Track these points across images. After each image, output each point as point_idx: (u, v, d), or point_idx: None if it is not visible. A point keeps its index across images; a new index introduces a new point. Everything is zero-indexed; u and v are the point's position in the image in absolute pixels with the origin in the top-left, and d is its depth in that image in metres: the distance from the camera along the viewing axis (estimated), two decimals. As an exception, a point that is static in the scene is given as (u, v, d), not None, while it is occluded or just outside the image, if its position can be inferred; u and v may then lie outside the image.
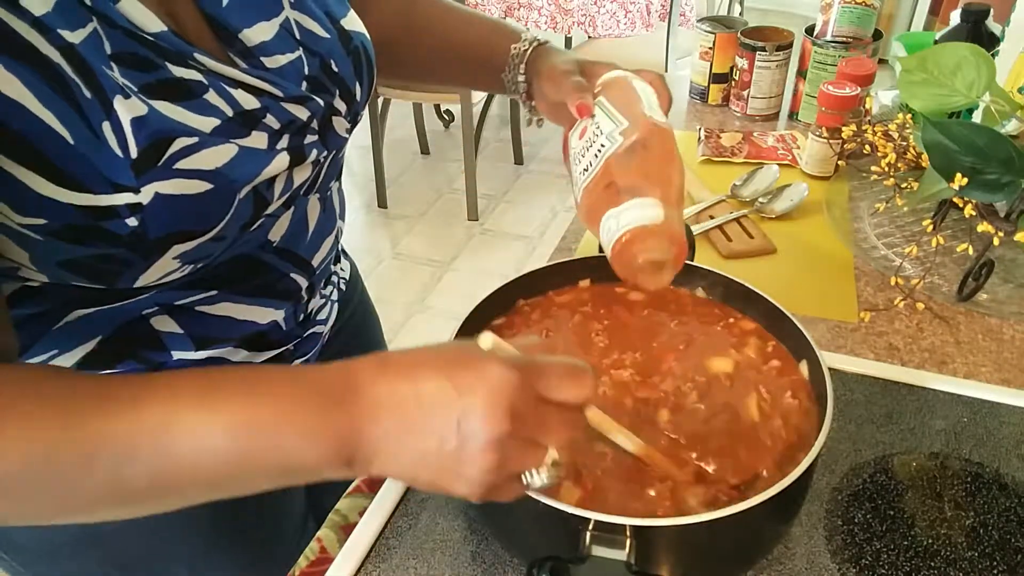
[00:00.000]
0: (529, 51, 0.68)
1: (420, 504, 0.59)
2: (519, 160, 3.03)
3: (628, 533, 0.43)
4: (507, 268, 2.46)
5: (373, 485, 0.61)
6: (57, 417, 0.38)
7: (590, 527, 0.43)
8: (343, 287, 0.75)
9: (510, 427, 0.39)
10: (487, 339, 0.42)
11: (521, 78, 0.68)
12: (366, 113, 0.64)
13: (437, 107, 3.24)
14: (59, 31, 0.40)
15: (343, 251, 0.78)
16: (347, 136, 0.60)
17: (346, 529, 0.58)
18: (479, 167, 2.79)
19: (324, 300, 0.69)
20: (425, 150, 3.12)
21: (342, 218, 0.69)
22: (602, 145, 0.55)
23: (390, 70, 0.74)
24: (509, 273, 0.64)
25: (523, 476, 0.42)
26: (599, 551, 0.43)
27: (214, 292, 0.56)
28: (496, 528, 0.55)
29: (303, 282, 0.62)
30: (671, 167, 0.56)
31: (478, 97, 2.45)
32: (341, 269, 0.75)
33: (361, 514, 0.58)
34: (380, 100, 2.61)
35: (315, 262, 0.63)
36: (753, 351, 0.60)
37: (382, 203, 2.78)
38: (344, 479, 0.42)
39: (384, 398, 0.40)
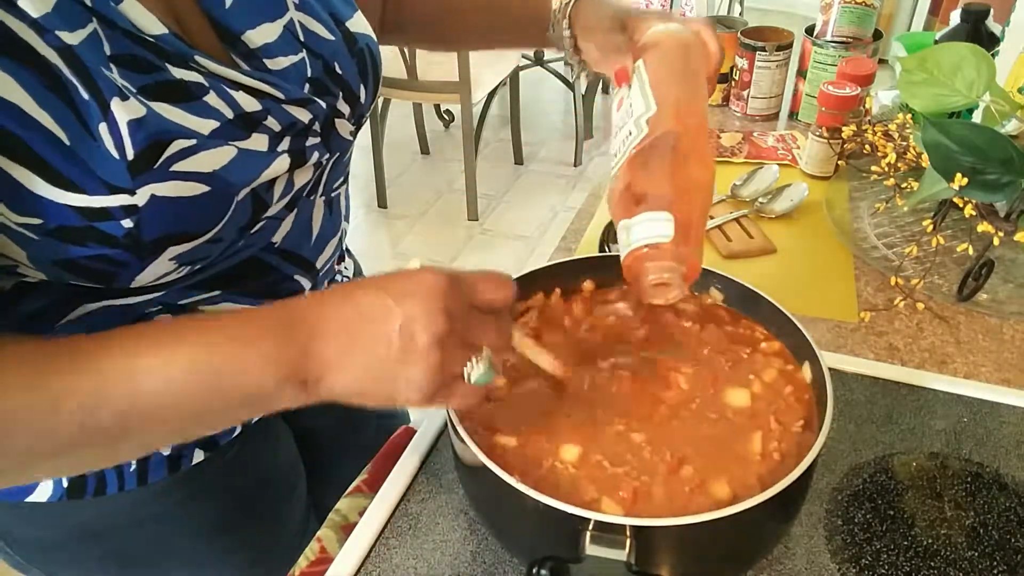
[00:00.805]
0: (571, 4, 0.67)
1: (420, 504, 0.59)
2: (519, 160, 3.03)
3: (628, 533, 0.43)
4: (507, 268, 2.43)
5: (373, 485, 0.61)
6: (23, 376, 0.41)
7: (590, 527, 0.43)
8: (346, 287, 0.76)
9: (447, 326, 0.42)
10: (415, 262, 0.46)
11: (566, 32, 0.67)
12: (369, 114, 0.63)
13: (437, 107, 3.24)
14: (57, 32, 0.40)
15: (347, 251, 0.78)
16: (351, 139, 0.60)
17: (346, 529, 0.58)
18: (479, 167, 2.79)
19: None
20: (425, 150, 3.12)
21: (346, 219, 0.69)
22: (630, 131, 0.53)
23: (442, 45, 0.76)
24: (509, 273, 0.64)
25: (464, 372, 0.45)
26: (599, 551, 0.43)
27: (217, 293, 0.56)
28: (496, 528, 0.55)
29: (307, 284, 0.62)
30: (696, 172, 0.52)
31: (478, 97, 2.45)
32: (344, 268, 0.75)
33: (361, 514, 0.58)
34: (380, 100, 2.61)
35: (319, 264, 0.63)
36: (752, 351, 0.60)
37: (382, 203, 2.78)
38: (302, 404, 0.44)
39: (328, 318, 0.43)
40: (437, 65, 2.45)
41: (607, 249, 0.72)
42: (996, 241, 0.74)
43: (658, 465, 0.51)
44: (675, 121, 0.52)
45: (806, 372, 0.57)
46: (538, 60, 3.29)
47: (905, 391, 0.68)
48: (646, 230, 0.50)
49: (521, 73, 2.89)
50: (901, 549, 0.55)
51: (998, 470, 0.61)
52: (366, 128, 2.57)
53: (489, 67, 2.52)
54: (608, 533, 0.43)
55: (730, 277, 0.64)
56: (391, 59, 2.38)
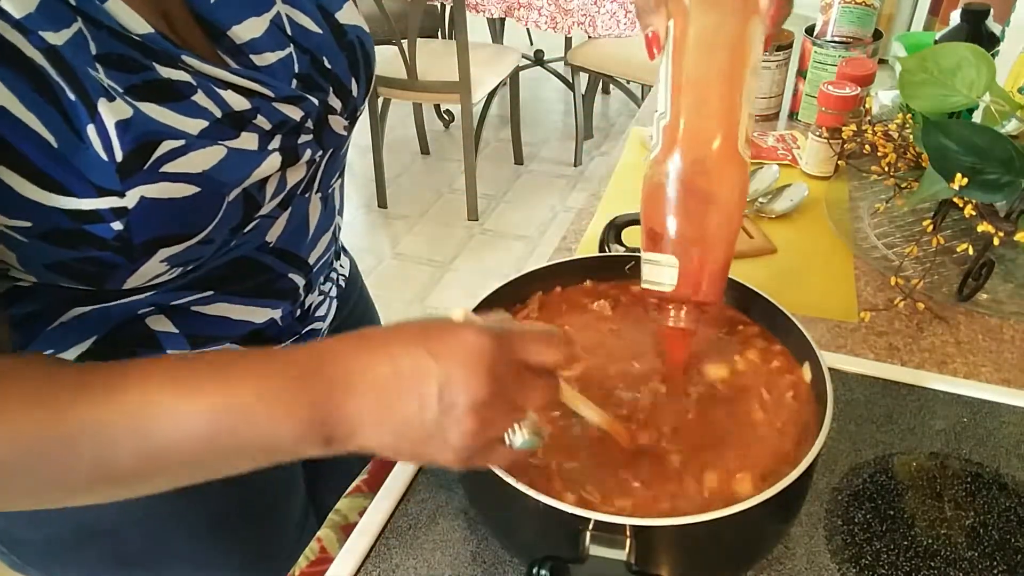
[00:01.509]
0: None
1: (420, 504, 0.59)
2: (519, 160, 3.03)
3: (628, 533, 0.43)
4: (507, 268, 2.46)
5: (373, 485, 0.61)
6: (39, 408, 0.39)
7: (590, 527, 0.43)
8: (342, 284, 0.75)
9: (490, 390, 0.39)
10: (458, 312, 0.42)
11: None
12: (366, 113, 0.63)
13: (437, 107, 3.25)
14: (41, 33, 0.40)
15: (343, 248, 0.77)
16: (345, 134, 0.59)
17: (346, 529, 0.58)
18: (479, 167, 2.79)
19: (323, 297, 0.69)
20: (425, 150, 3.12)
21: (340, 214, 0.69)
22: (661, 112, 0.47)
23: None
24: (509, 273, 0.64)
25: (505, 437, 0.42)
26: (599, 551, 0.43)
27: (210, 292, 0.56)
28: (496, 528, 0.55)
29: (300, 281, 0.62)
30: (715, 216, 0.46)
31: (478, 97, 2.45)
32: (340, 266, 0.75)
33: (361, 514, 0.58)
34: (380, 100, 2.61)
35: (312, 260, 0.63)
36: (754, 353, 0.60)
37: (382, 203, 2.79)
38: (326, 455, 0.42)
39: (360, 372, 0.40)
40: (437, 65, 2.45)
41: (607, 249, 0.71)
42: (996, 241, 0.74)
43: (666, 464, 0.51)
44: (690, 147, 0.46)
45: (806, 372, 0.57)
46: (538, 60, 3.29)
47: (905, 391, 0.68)
48: (653, 273, 0.47)
49: (521, 73, 2.89)
50: (901, 549, 0.55)
51: (998, 470, 0.61)
52: (366, 128, 2.57)
53: (489, 67, 2.53)
54: (608, 533, 0.43)
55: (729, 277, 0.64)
56: (391, 59, 2.39)
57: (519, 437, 0.42)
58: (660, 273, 0.47)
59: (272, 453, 0.42)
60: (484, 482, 0.47)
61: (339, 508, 0.61)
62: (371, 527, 0.57)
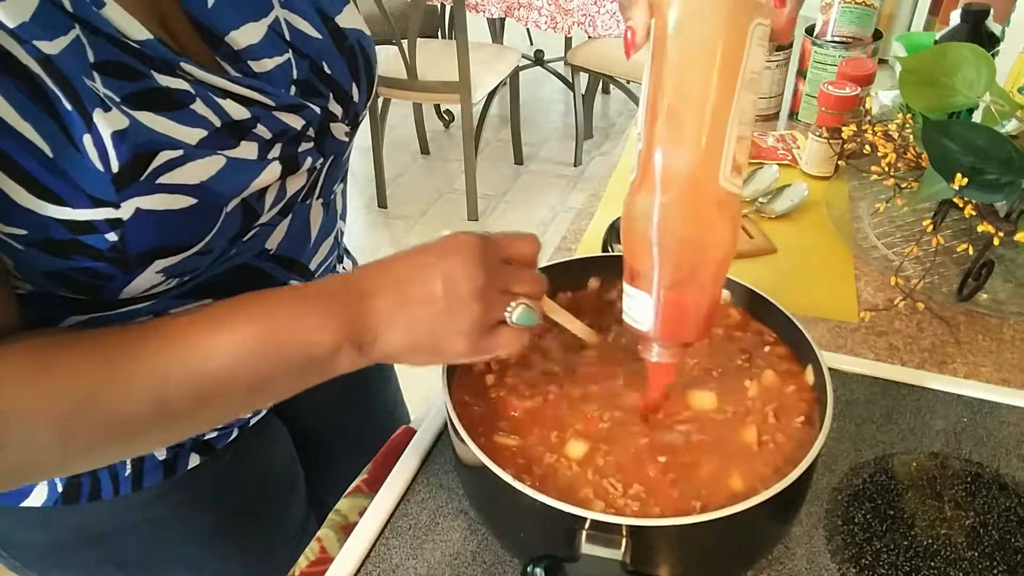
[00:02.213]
0: None
1: (420, 504, 0.59)
2: (519, 160, 3.03)
3: (624, 532, 0.43)
4: (507, 268, 2.45)
5: (373, 485, 0.61)
6: (92, 357, 0.43)
7: (586, 526, 0.43)
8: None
9: (486, 277, 0.45)
10: (445, 231, 0.48)
11: None
12: (366, 113, 0.62)
13: (437, 107, 3.25)
14: (35, 43, 0.39)
15: (346, 251, 0.77)
16: (347, 140, 0.58)
17: (346, 529, 0.58)
18: (479, 167, 2.79)
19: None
20: (425, 150, 3.12)
21: (343, 218, 0.68)
22: (639, 132, 0.43)
23: None
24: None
25: (505, 317, 0.48)
26: (594, 550, 0.43)
27: (208, 301, 0.55)
28: (496, 528, 0.55)
29: None
30: (695, 251, 0.42)
31: (478, 97, 2.45)
32: (343, 269, 0.75)
33: (361, 514, 0.58)
34: (380, 100, 2.61)
35: (313, 266, 0.62)
36: (752, 350, 0.60)
37: (382, 203, 2.79)
38: (355, 367, 0.47)
39: (375, 279, 0.46)
40: (437, 65, 2.45)
41: (611, 249, 0.71)
42: (996, 241, 0.74)
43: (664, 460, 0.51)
44: (664, 182, 0.42)
45: (808, 375, 0.57)
46: (538, 60, 3.29)
47: (905, 391, 0.68)
48: (633, 308, 0.46)
49: (521, 73, 2.89)
50: (901, 549, 0.55)
51: (998, 470, 0.61)
52: (366, 128, 2.57)
53: (489, 67, 2.53)
54: (604, 532, 0.43)
55: (728, 277, 0.64)
56: (391, 59, 2.39)
57: (516, 312, 0.48)
58: (639, 310, 0.46)
59: (313, 367, 0.46)
60: (484, 482, 0.47)
61: (339, 508, 0.61)
62: (371, 527, 0.57)
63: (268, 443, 0.70)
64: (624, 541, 0.43)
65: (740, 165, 0.42)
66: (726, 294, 0.63)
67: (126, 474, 0.58)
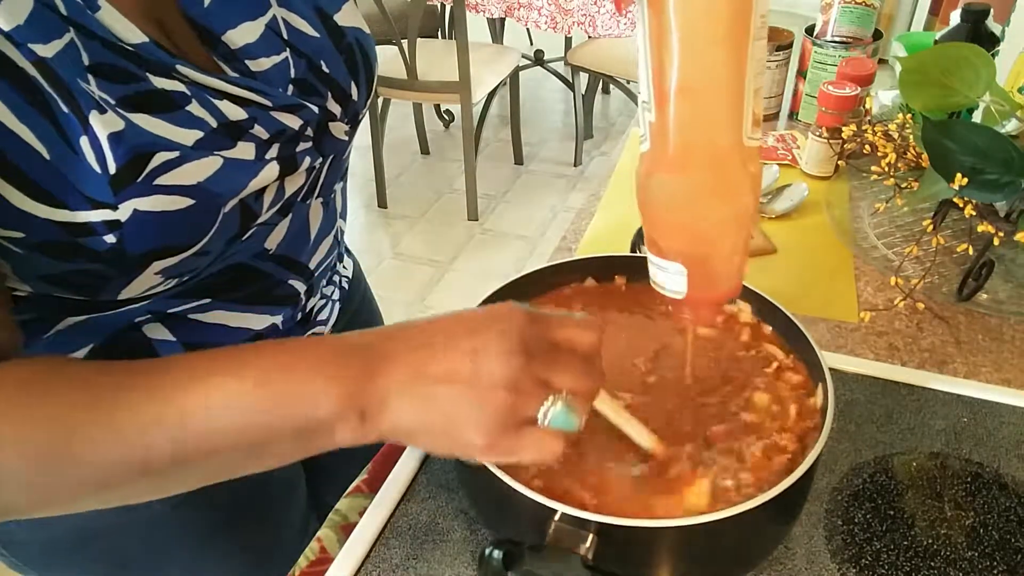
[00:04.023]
0: None
1: (420, 504, 0.59)
2: (519, 160, 3.03)
3: (591, 529, 0.43)
4: (507, 268, 2.46)
5: (373, 485, 0.61)
6: (81, 398, 0.39)
7: (555, 518, 0.43)
8: (345, 286, 0.75)
9: (523, 362, 0.38)
10: None
11: None
12: (366, 113, 0.62)
13: (437, 107, 3.25)
14: (30, 46, 0.39)
15: (346, 249, 0.77)
16: (347, 139, 0.58)
17: (346, 529, 0.58)
18: (479, 167, 2.79)
19: (325, 300, 0.68)
20: (425, 150, 3.12)
21: (343, 217, 0.68)
22: (645, 102, 0.40)
23: None
24: (509, 273, 0.64)
25: (539, 415, 0.41)
26: (560, 541, 0.43)
27: (207, 300, 0.55)
28: (496, 528, 0.55)
29: (301, 286, 0.62)
30: (720, 209, 0.40)
31: (478, 97, 2.45)
32: (344, 268, 0.74)
33: (361, 514, 0.58)
34: (380, 100, 2.61)
35: (313, 265, 0.62)
36: (752, 351, 0.60)
37: (382, 203, 2.79)
38: (358, 443, 0.42)
39: (397, 342, 0.41)
40: (437, 65, 2.45)
41: (639, 251, 0.70)
42: (996, 241, 0.74)
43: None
44: (683, 149, 0.40)
45: (807, 373, 0.57)
46: (538, 60, 3.29)
47: (905, 391, 0.68)
48: (663, 279, 0.44)
49: (521, 73, 2.89)
50: (901, 549, 0.55)
51: (998, 470, 0.61)
52: (366, 128, 2.57)
53: (489, 67, 2.53)
54: (572, 526, 0.43)
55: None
56: (391, 59, 2.39)
57: (552, 412, 0.40)
58: (669, 279, 0.43)
59: (310, 434, 0.41)
60: (484, 482, 0.47)
61: (339, 508, 0.61)
62: (371, 527, 0.57)
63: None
64: (590, 537, 0.43)
65: (758, 117, 0.40)
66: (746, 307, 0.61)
67: None
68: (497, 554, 0.42)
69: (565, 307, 0.64)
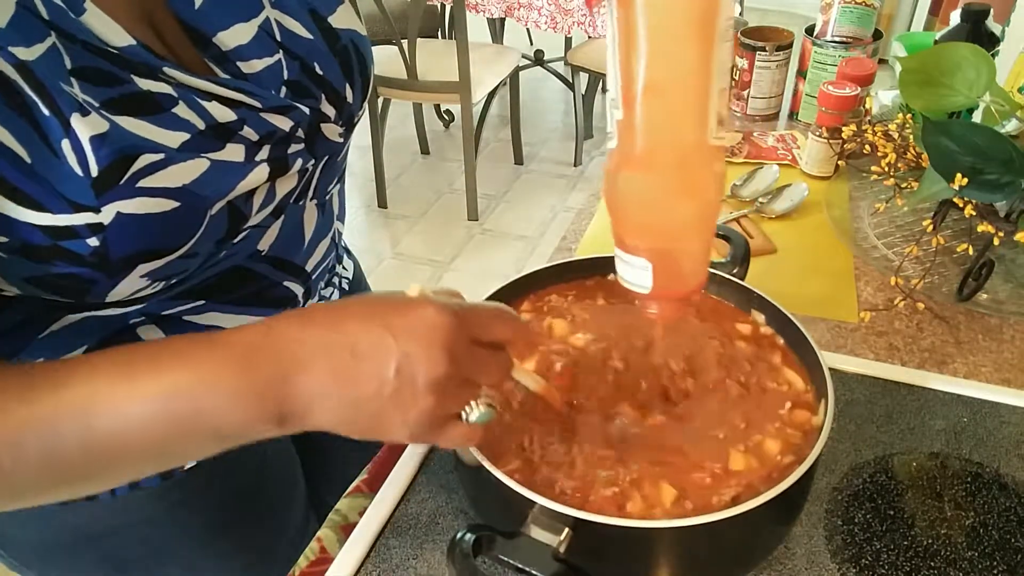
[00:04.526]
0: None
1: (420, 504, 0.59)
2: (519, 160, 3.03)
3: (567, 523, 0.43)
4: (507, 268, 2.46)
5: (373, 485, 0.61)
6: (17, 393, 0.39)
7: (533, 509, 0.44)
8: (345, 287, 0.75)
9: (448, 367, 0.40)
10: (414, 288, 0.43)
11: None
12: (366, 113, 0.62)
13: (437, 107, 3.25)
14: (11, 49, 0.39)
15: (346, 250, 0.77)
16: (341, 141, 0.58)
17: (346, 529, 0.58)
18: (479, 167, 2.79)
19: (324, 302, 0.68)
20: (425, 150, 3.12)
21: (340, 219, 0.68)
22: (612, 99, 0.40)
23: None
24: (509, 273, 0.64)
25: (462, 412, 0.43)
26: (535, 532, 0.44)
27: (202, 302, 0.55)
28: (483, 516, 0.55)
29: (298, 289, 0.61)
30: (685, 206, 0.41)
31: (478, 97, 2.45)
32: (344, 269, 0.74)
33: (361, 514, 0.58)
34: (380, 100, 2.61)
35: (310, 267, 0.62)
36: (751, 351, 0.60)
37: (382, 203, 2.79)
38: (281, 435, 0.42)
39: (312, 350, 0.40)
40: (437, 65, 2.45)
41: None
42: (996, 241, 0.74)
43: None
44: (648, 148, 0.40)
45: (807, 374, 0.57)
46: (538, 60, 3.29)
47: (905, 391, 0.68)
48: (628, 273, 0.45)
49: (521, 73, 2.89)
50: (901, 549, 0.55)
51: (998, 470, 0.61)
52: (366, 128, 2.57)
53: (489, 67, 2.53)
54: (548, 518, 0.44)
55: (725, 276, 0.64)
56: (391, 59, 2.39)
57: (474, 413, 0.43)
58: (635, 274, 0.44)
59: (223, 437, 0.41)
60: (484, 482, 0.47)
61: (339, 508, 0.61)
62: (371, 527, 0.57)
63: (267, 444, 0.69)
64: (565, 531, 0.43)
65: (724, 117, 0.40)
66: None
67: None
68: (468, 537, 0.43)
69: (590, 299, 0.64)
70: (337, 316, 0.41)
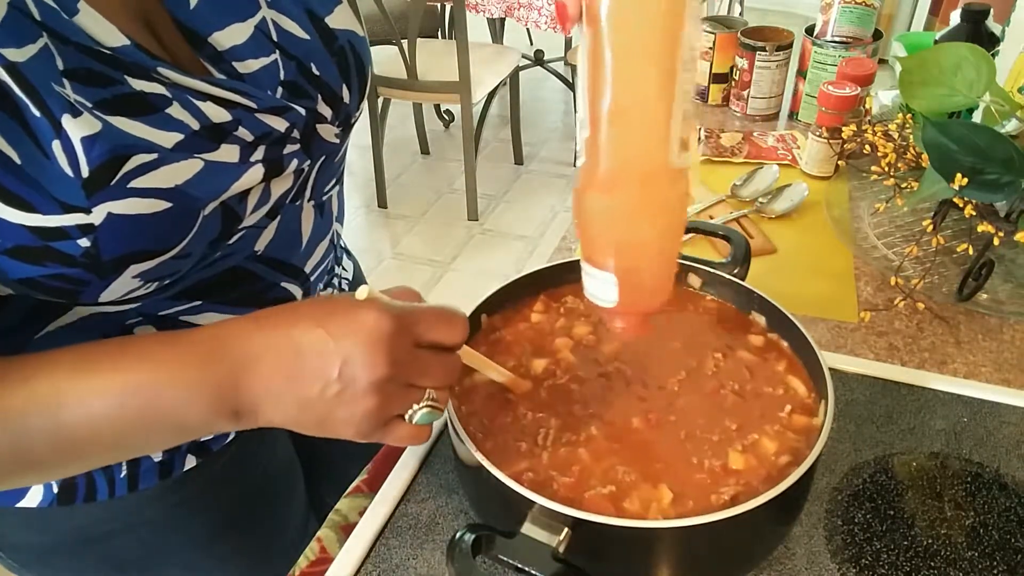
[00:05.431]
0: None
1: (420, 504, 0.59)
2: (519, 160, 3.03)
3: (566, 523, 0.44)
4: (507, 268, 2.46)
5: (373, 485, 0.61)
6: None
7: (532, 508, 0.44)
8: (345, 288, 0.75)
9: (389, 371, 0.41)
10: (363, 291, 0.43)
11: None
12: (365, 113, 0.61)
13: (437, 107, 3.25)
14: (1, 50, 0.39)
15: (346, 251, 0.77)
16: (338, 142, 0.58)
17: (346, 529, 0.58)
18: (479, 167, 2.79)
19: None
20: (425, 150, 3.12)
21: (339, 221, 0.68)
22: (581, 119, 0.42)
23: None
24: (509, 273, 0.64)
25: (406, 417, 0.45)
26: (533, 531, 0.44)
27: (198, 302, 0.55)
28: (483, 516, 0.55)
29: (297, 290, 0.61)
30: (645, 228, 0.42)
31: (478, 97, 2.45)
32: (343, 270, 0.74)
33: (361, 514, 0.58)
34: (380, 100, 2.61)
35: (308, 268, 0.62)
36: (751, 351, 0.60)
37: (382, 203, 2.79)
38: (238, 429, 0.44)
39: (261, 349, 0.42)
40: (437, 65, 2.45)
41: None
42: (996, 241, 0.74)
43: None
44: (610, 168, 0.41)
45: (807, 374, 0.57)
46: (538, 60, 3.29)
47: (905, 391, 0.68)
48: (594, 287, 0.46)
49: (521, 73, 2.89)
50: (901, 549, 0.55)
51: (998, 470, 0.61)
52: (366, 128, 2.57)
53: (489, 67, 2.52)
54: (549, 519, 0.44)
55: (724, 275, 0.64)
56: (391, 59, 2.39)
57: (418, 415, 0.45)
58: (601, 288, 0.45)
59: (185, 430, 0.44)
60: (484, 482, 0.47)
61: (339, 508, 0.61)
62: (371, 527, 0.57)
63: (266, 444, 0.69)
64: (564, 531, 0.43)
65: (687, 141, 0.42)
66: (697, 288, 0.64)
67: (121, 476, 0.58)
68: (468, 537, 0.43)
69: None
70: (288, 318, 0.43)
